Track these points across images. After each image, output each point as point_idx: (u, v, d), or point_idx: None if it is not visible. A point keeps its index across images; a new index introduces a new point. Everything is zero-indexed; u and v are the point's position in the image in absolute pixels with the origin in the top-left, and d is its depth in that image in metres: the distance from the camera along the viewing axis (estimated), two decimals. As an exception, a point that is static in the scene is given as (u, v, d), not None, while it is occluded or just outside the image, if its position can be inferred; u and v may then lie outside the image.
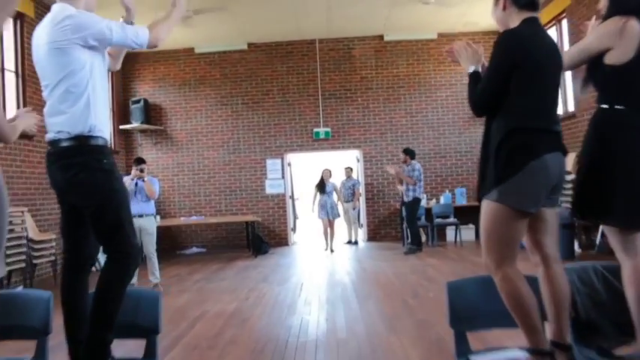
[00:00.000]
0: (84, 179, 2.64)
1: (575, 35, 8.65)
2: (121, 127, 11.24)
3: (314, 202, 10.47)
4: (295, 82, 11.54)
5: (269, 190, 11.48)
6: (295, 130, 11.51)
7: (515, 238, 2.34)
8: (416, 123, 11.42)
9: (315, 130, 11.44)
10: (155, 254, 6.57)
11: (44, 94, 2.74)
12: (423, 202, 10.16)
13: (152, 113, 11.51)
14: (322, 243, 10.37)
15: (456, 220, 10.15)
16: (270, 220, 11.46)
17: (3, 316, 2.53)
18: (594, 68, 2.65)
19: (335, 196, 10.45)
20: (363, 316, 4.82)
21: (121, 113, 11.34)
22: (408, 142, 11.27)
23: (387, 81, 11.46)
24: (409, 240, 9.22)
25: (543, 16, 9.83)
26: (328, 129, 11.44)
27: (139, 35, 2.75)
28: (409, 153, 9.56)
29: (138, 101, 11.21)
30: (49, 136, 2.72)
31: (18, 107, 7.92)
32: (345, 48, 11.53)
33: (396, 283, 6.35)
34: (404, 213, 9.51)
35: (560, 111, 9.72)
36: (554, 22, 9.58)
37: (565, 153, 2.39)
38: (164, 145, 11.61)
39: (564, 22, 9.28)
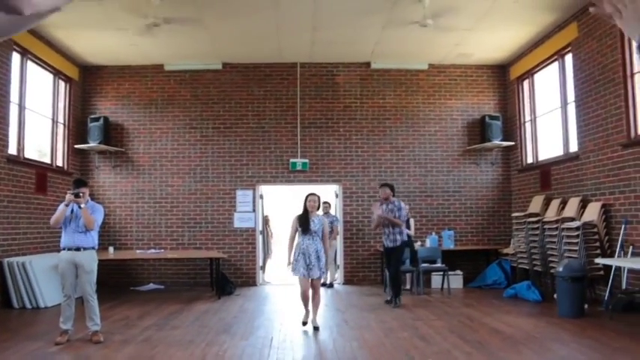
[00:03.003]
0: None
1: (583, 72, 7.94)
2: (77, 146, 10.07)
3: (291, 248, 6.34)
4: (272, 108, 10.61)
5: (238, 224, 10.38)
6: (270, 159, 10.52)
7: None
8: (401, 158, 10.56)
9: (292, 160, 10.46)
10: (94, 296, 5.43)
11: None
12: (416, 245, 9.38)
13: (112, 133, 10.40)
14: (301, 310, 6.43)
15: (443, 265, 9.19)
16: (238, 257, 10.32)
17: None
18: None
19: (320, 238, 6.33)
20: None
21: (78, 131, 10.19)
22: (393, 178, 10.39)
23: (372, 112, 10.62)
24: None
25: (542, 51, 9.14)
26: (306, 160, 10.48)
27: None
28: (392, 188, 8.05)
29: (97, 119, 10.10)
30: None
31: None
32: (328, 74, 10.68)
33: (386, 344, 5.28)
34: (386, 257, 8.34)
35: (560, 151, 9.01)
36: (555, 57, 8.85)
37: None
38: (124, 168, 10.47)
39: (568, 58, 8.51)
